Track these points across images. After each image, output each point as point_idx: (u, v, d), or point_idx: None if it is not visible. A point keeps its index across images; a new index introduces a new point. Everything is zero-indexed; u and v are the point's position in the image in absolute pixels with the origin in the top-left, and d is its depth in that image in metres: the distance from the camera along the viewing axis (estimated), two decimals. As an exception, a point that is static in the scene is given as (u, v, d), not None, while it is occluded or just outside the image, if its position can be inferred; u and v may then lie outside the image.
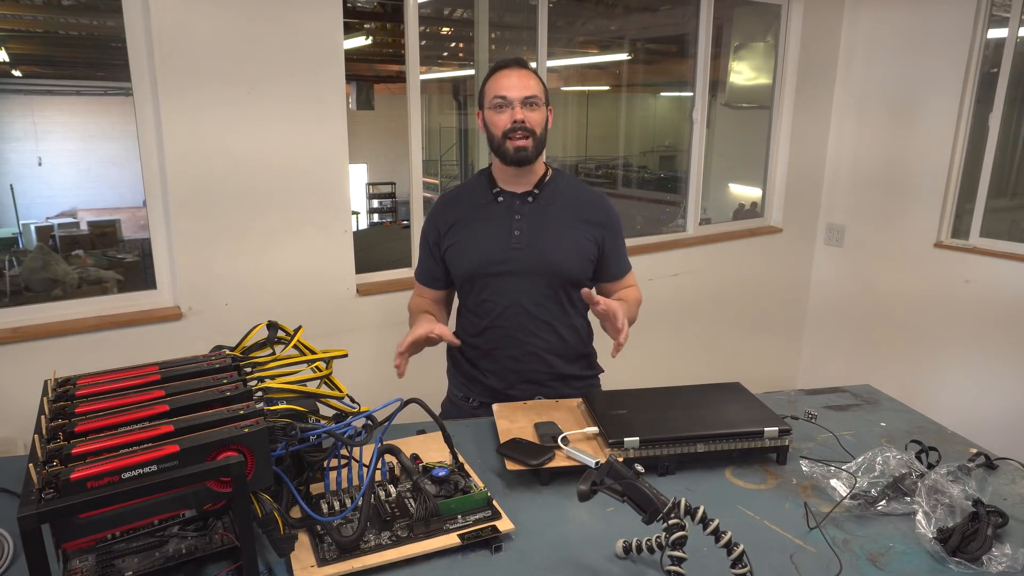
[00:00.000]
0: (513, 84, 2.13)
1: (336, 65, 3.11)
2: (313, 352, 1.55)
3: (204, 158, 2.87)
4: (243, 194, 2.98)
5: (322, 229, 3.22)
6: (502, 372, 2.28)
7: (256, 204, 3.02)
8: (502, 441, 1.71)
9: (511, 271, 2.20)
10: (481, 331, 2.28)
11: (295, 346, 1.57)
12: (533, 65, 3.32)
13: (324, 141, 3.14)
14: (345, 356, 1.55)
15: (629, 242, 4.29)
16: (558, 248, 2.21)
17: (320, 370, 1.52)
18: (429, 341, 2.10)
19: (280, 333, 1.59)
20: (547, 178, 2.28)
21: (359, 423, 1.45)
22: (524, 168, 2.21)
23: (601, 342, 2.28)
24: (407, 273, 3.59)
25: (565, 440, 1.71)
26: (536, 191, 2.24)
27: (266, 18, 2.90)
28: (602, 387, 2.42)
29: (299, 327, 1.60)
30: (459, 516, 1.42)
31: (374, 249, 4.37)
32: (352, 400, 1.51)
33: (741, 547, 1.16)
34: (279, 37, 2.95)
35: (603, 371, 2.43)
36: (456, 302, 2.42)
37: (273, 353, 1.56)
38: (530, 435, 1.76)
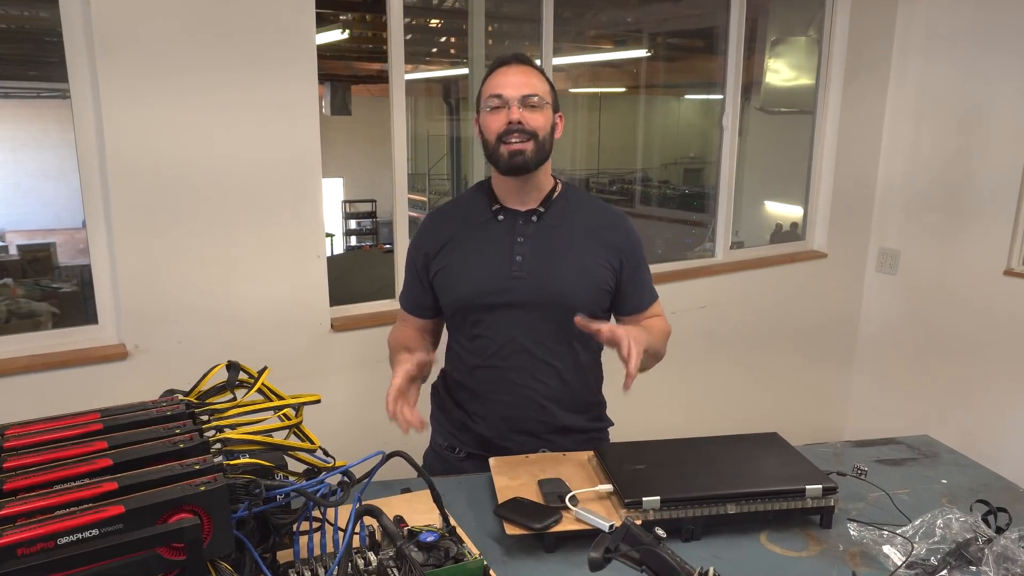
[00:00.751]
0: (511, 81, 2.13)
1: (307, 61, 3.11)
2: (280, 397, 1.54)
3: (153, 171, 2.87)
4: (199, 213, 2.98)
5: (291, 254, 3.20)
6: (494, 420, 2.28)
7: (214, 225, 3.01)
8: (500, 500, 1.71)
9: (510, 303, 2.20)
10: (472, 369, 2.28)
11: (259, 390, 1.56)
12: (538, 62, 3.33)
13: (293, 151, 3.13)
14: (317, 402, 1.54)
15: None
16: (567, 277, 2.20)
17: (288, 418, 1.50)
18: (420, 373, 2.11)
19: (242, 375, 1.58)
20: (555, 194, 2.27)
21: (334, 480, 1.43)
22: (527, 180, 2.21)
23: (611, 388, 2.27)
24: (390, 305, 3.57)
25: (574, 500, 1.71)
26: (541, 209, 2.24)
27: (224, 5, 2.90)
28: (611, 441, 2.41)
29: (264, 368, 1.59)
30: (450, 589, 1.41)
31: (352, 277, 4.36)
32: (325, 453, 1.50)
33: (778, 624, 1.16)
34: (240, 28, 2.95)
35: (612, 424, 2.43)
36: (445, 334, 2.43)
37: (234, 398, 1.56)
38: (533, 494, 1.76)
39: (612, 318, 2.35)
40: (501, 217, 2.26)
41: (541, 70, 2.21)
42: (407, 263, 2.40)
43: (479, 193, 2.32)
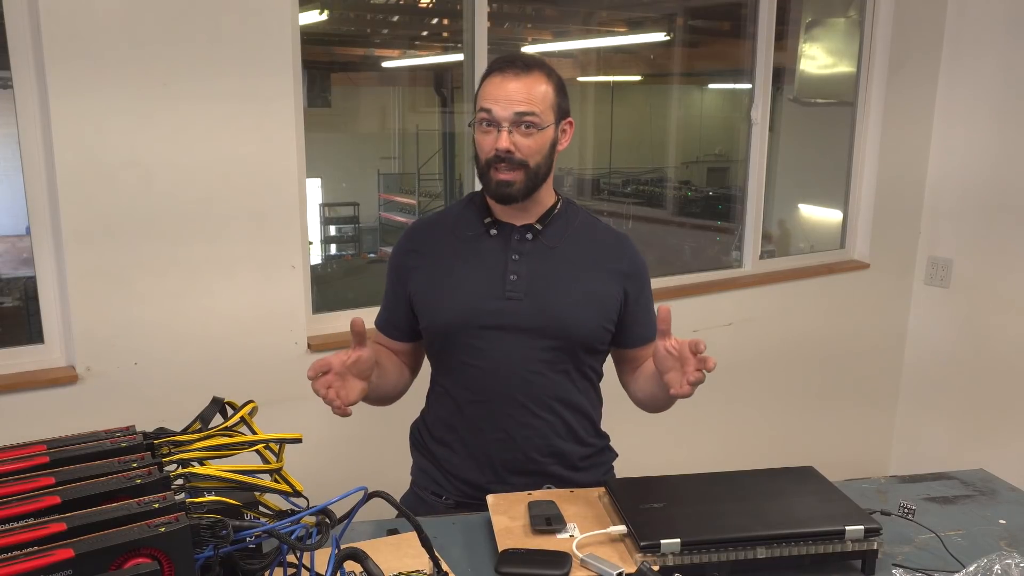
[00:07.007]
0: (505, 94, 2.10)
1: (285, 47, 3.10)
2: (255, 434, 1.55)
3: (107, 173, 2.85)
4: (159, 219, 2.95)
5: (263, 264, 3.18)
6: (485, 461, 2.26)
7: (176, 232, 2.99)
8: (500, 544, 1.71)
9: (503, 325, 2.19)
10: (460, 406, 2.27)
11: (232, 428, 1.57)
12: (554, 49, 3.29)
13: (266, 150, 3.12)
14: (298, 441, 1.54)
15: (666, 281, 4.36)
16: (571, 300, 2.20)
17: (268, 458, 1.51)
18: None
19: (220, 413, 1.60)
20: (556, 210, 2.28)
21: (310, 520, 1.42)
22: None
23: (616, 419, 2.26)
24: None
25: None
26: (539, 226, 2.25)
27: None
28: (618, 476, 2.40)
29: (249, 402, 1.60)
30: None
31: (329, 289, 4.36)
32: (295, 491, 1.52)
33: None
34: (206, 10, 2.92)
35: (616, 456, 2.43)
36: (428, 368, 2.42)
37: (202, 430, 1.56)
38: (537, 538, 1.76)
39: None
40: (494, 231, 2.25)
41: (547, 70, 2.18)
42: (388, 274, 2.39)
43: (471, 204, 2.32)
